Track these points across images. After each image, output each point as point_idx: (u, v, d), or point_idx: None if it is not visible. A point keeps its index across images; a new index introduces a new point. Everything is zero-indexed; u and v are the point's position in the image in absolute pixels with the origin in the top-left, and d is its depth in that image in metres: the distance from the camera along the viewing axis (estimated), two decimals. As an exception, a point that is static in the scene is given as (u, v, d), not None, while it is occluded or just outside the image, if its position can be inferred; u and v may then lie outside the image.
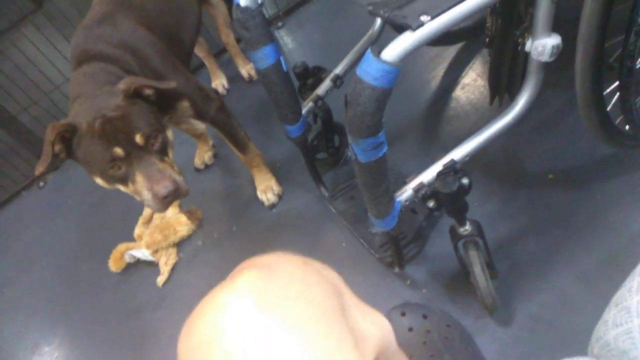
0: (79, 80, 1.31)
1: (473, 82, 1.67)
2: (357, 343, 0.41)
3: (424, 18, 0.81)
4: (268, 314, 0.37)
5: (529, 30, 0.97)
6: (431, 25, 0.81)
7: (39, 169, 1.18)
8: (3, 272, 2.12)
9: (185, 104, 1.46)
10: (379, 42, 1.43)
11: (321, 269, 0.45)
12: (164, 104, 1.40)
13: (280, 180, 1.74)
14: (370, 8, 0.90)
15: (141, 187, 1.21)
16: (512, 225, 1.29)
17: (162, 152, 1.26)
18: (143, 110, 1.23)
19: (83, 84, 1.29)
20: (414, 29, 0.80)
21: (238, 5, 1.16)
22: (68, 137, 1.19)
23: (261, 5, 1.18)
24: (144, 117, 1.22)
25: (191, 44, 1.70)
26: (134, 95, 1.23)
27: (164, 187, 1.20)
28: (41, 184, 2.40)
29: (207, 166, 1.99)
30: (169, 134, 1.32)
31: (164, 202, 1.23)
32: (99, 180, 1.26)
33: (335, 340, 0.38)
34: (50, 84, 2.31)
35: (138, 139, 1.19)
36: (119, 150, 1.18)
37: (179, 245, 1.75)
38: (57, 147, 1.19)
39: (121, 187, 1.27)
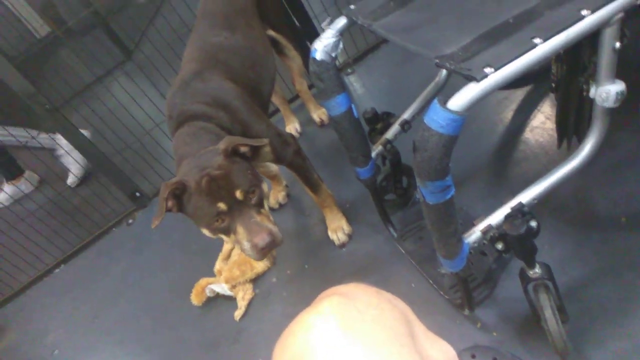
0: (183, 141, 1.47)
1: (542, 125, 1.68)
2: None
3: (488, 70, 0.87)
4: (349, 334, 0.44)
5: (592, 77, 1.00)
6: (495, 77, 0.86)
7: (155, 223, 1.32)
8: (94, 303, 2.31)
9: (267, 150, 1.58)
10: (445, 90, 1.50)
11: (392, 298, 0.51)
12: (252, 154, 1.54)
13: (350, 220, 1.80)
14: (437, 61, 0.96)
15: (241, 238, 1.33)
16: (584, 269, 1.27)
17: (259, 204, 1.37)
18: (241, 167, 1.36)
19: (187, 144, 1.45)
20: (479, 80, 0.86)
21: (314, 59, 1.28)
22: (179, 194, 1.34)
23: (335, 58, 1.29)
24: (243, 174, 1.35)
25: (269, 94, 1.85)
26: (233, 153, 1.36)
27: (262, 240, 1.30)
28: (130, 221, 2.62)
29: (280, 205, 2.10)
30: (264, 187, 1.42)
31: (262, 252, 1.33)
32: (205, 232, 1.39)
33: None
34: (141, 128, 2.53)
35: (238, 194, 1.31)
36: (222, 206, 1.31)
37: (255, 281, 1.84)
38: (170, 203, 1.35)
39: (224, 237, 1.39)
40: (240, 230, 1.33)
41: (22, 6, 5.61)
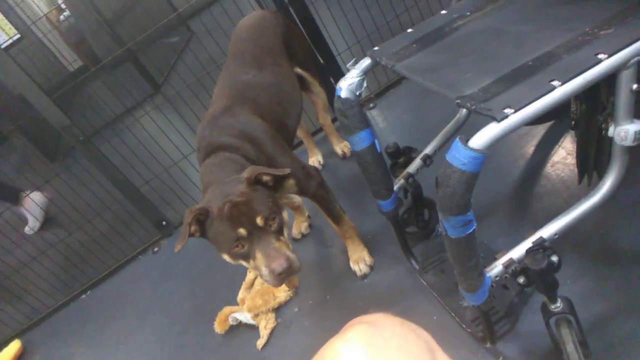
0: (209, 170, 1.55)
1: (563, 160, 1.70)
2: None
3: (508, 111, 0.91)
4: (375, 361, 0.47)
5: (611, 116, 1.03)
6: (515, 118, 0.90)
7: (178, 247, 1.38)
8: (119, 329, 2.35)
9: (291, 182, 1.64)
10: (465, 127, 1.54)
11: (416, 328, 0.55)
12: (273, 183, 1.59)
13: (371, 252, 1.83)
14: (458, 101, 1.01)
15: (260, 263, 1.37)
16: (606, 304, 1.28)
17: (279, 231, 1.42)
18: (263, 195, 1.42)
19: (213, 173, 1.52)
20: (499, 121, 0.90)
21: (339, 97, 1.34)
22: (202, 220, 1.40)
23: (359, 96, 1.35)
24: (264, 202, 1.40)
25: (295, 128, 1.93)
26: (256, 181, 1.42)
27: (279, 265, 1.35)
28: (156, 249, 2.68)
29: (303, 236, 2.14)
30: (284, 215, 1.47)
31: (279, 278, 1.37)
32: (225, 257, 1.44)
33: None
34: (170, 159, 2.62)
35: (259, 220, 1.36)
36: (242, 231, 1.36)
37: (277, 310, 1.87)
38: (193, 228, 1.40)
39: (244, 263, 1.43)
40: (258, 255, 1.37)
41: (57, 42, 5.87)
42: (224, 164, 1.53)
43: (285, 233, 1.46)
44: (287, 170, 1.46)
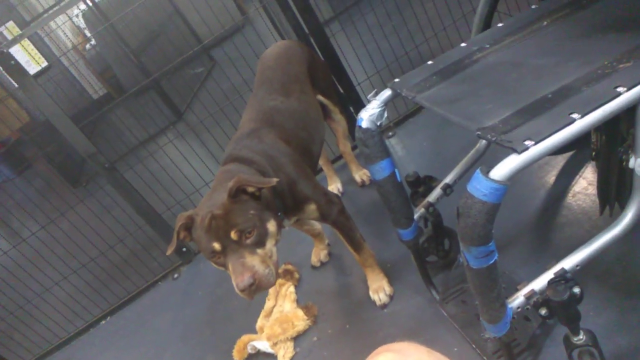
0: (218, 177, 1.60)
1: (584, 190, 1.70)
2: None
3: (528, 143, 0.92)
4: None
5: (631, 148, 1.03)
6: (535, 149, 0.91)
7: (169, 251, 1.48)
8: (138, 355, 2.36)
9: (312, 207, 1.67)
10: (485, 158, 1.54)
11: (442, 357, 0.55)
12: (295, 207, 1.64)
13: (391, 281, 1.82)
14: (478, 132, 1.02)
15: (232, 277, 1.39)
16: (631, 337, 1.25)
17: (257, 244, 1.41)
18: (244, 207, 1.42)
19: (219, 181, 1.56)
20: (520, 153, 0.92)
21: (360, 127, 1.36)
22: (189, 226, 1.45)
23: (380, 126, 1.37)
24: (243, 214, 1.40)
25: (318, 154, 1.97)
26: (243, 191, 1.43)
27: (241, 281, 1.35)
28: (176, 275, 2.70)
29: (322, 264, 2.14)
30: (270, 226, 1.46)
31: (244, 294, 1.37)
32: (212, 263, 1.46)
33: None
34: (192, 186, 2.66)
35: (232, 234, 1.37)
36: (216, 246, 1.38)
37: (296, 339, 1.86)
38: (182, 234, 1.46)
39: (228, 272, 1.44)
40: (229, 269, 1.39)
41: (83, 70, 6.05)
42: (232, 172, 1.55)
43: (269, 245, 1.44)
44: (273, 181, 1.45)
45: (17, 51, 4.45)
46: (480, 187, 0.93)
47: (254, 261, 1.38)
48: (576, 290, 1.02)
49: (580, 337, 1.08)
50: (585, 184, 1.72)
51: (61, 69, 5.77)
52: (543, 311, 1.08)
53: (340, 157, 2.62)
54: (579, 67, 1.06)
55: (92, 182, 4.50)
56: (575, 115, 0.92)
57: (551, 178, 1.83)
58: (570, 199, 1.71)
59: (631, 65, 0.99)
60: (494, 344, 1.40)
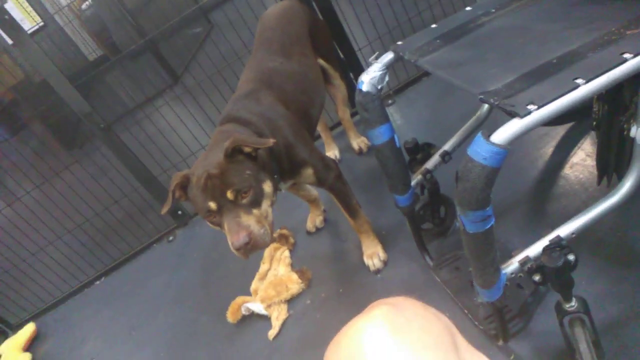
0: (214, 137, 1.58)
1: (582, 162, 1.69)
2: None
3: (531, 107, 0.91)
4: (398, 339, 0.49)
5: (634, 117, 1.02)
6: (538, 114, 0.90)
7: (164, 210, 1.47)
8: (132, 316, 2.39)
9: (309, 171, 1.66)
10: (487, 123, 1.54)
11: (437, 312, 0.56)
12: (291, 170, 1.62)
13: (386, 247, 1.83)
14: (481, 96, 1.01)
15: (227, 236, 1.39)
16: (622, 306, 1.27)
17: (252, 204, 1.41)
18: (240, 167, 1.41)
19: (215, 140, 1.55)
20: (522, 117, 0.91)
21: (361, 90, 1.34)
22: (185, 185, 1.45)
23: (380, 90, 1.35)
24: (239, 174, 1.40)
25: (317, 118, 1.94)
26: (239, 152, 1.42)
27: (237, 240, 1.35)
28: (171, 238, 2.71)
29: (318, 229, 2.15)
30: (266, 186, 1.46)
31: (239, 252, 1.38)
32: (207, 222, 1.47)
33: None
34: (188, 149, 2.65)
35: (229, 194, 1.37)
36: (212, 205, 1.38)
37: (290, 302, 1.89)
38: (178, 193, 1.46)
39: (223, 231, 1.44)
40: (225, 228, 1.39)
41: (79, 31, 5.94)
42: (229, 132, 1.54)
43: (265, 205, 1.44)
44: (270, 142, 1.42)
45: (11, 8, 4.35)
46: (480, 150, 0.93)
47: (249, 220, 1.38)
48: (571, 257, 1.03)
49: (572, 304, 1.09)
50: (584, 156, 1.71)
51: (56, 28, 5.66)
52: (537, 277, 1.09)
53: (338, 124, 2.60)
54: (585, 33, 1.04)
55: (87, 144, 4.47)
56: (579, 81, 0.91)
57: (549, 149, 1.83)
58: (567, 170, 1.71)
59: (639, 31, 0.97)
60: (485, 310, 1.42)
